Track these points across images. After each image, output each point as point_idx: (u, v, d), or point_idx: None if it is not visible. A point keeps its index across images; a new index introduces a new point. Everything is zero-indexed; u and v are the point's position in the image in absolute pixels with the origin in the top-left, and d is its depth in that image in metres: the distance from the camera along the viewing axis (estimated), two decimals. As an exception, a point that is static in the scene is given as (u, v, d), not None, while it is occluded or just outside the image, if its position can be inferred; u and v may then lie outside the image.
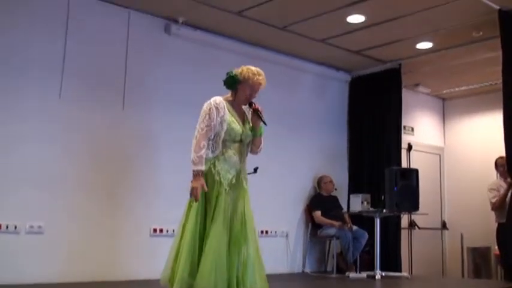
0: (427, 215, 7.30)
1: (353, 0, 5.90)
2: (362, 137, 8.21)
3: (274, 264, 6.81)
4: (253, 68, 3.96)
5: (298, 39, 7.01)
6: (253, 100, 3.99)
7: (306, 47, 7.36)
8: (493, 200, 6.67)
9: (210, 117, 3.78)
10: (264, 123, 3.97)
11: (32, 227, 5.31)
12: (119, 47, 6.10)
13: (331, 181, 7.63)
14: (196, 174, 3.69)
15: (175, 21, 6.45)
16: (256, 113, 3.95)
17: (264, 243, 6.64)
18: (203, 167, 3.70)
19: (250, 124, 4.00)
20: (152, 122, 6.24)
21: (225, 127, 3.80)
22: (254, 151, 4.11)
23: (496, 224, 6.72)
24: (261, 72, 3.98)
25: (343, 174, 8.18)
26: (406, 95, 8.59)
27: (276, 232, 7.20)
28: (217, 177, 3.74)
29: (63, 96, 5.62)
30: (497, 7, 6.01)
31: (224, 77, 4.00)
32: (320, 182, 7.66)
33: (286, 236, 7.32)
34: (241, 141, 3.90)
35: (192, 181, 3.70)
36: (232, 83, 3.95)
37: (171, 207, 6.12)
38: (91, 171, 5.74)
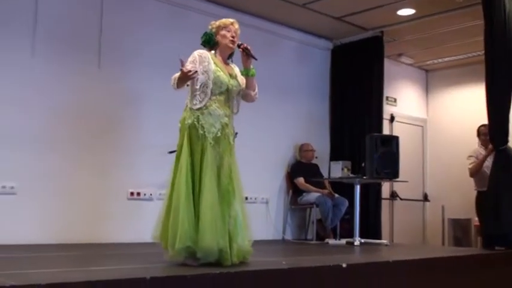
0: (407, 182, 7.25)
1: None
2: (344, 105, 8.15)
3: (254, 231, 6.70)
4: None
5: (278, 3, 6.91)
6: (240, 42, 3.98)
7: (286, 12, 7.25)
8: (470, 166, 6.64)
9: (191, 63, 3.78)
10: (254, 58, 3.94)
11: (4, 187, 5.23)
12: (93, 5, 5.96)
13: (311, 149, 7.59)
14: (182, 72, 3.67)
15: (152, -19, 6.34)
16: (245, 51, 3.93)
17: (244, 210, 6.69)
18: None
19: (238, 77, 3.98)
20: (129, 82, 6.12)
21: (211, 76, 3.77)
22: (250, 97, 4.08)
23: (476, 192, 6.70)
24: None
25: (325, 142, 8.13)
26: (389, 66, 8.56)
27: (255, 198, 7.15)
28: (201, 131, 3.72)
29: (36, 54, 5.50)
30: (478, -28, 5.94)
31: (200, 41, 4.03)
32: (300, 149, 7.62)
33: (267, 202, 7.27)
34: (228, 90, 3.86)
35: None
36: (210, 38, 3.97)
37: (148, 170, 6.11)
38: (66, 132, 5.64)
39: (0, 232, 5.04)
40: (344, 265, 3.98)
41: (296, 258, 5.18)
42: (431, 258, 5.04)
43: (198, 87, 3.78)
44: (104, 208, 5.77)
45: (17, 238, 5.07)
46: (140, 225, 5.91)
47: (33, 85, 5.45)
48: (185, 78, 3.67)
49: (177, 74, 3.70)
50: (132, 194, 6.03)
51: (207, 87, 3.76)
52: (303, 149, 7.60)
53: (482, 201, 6.54)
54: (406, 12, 7.18)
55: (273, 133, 7.41)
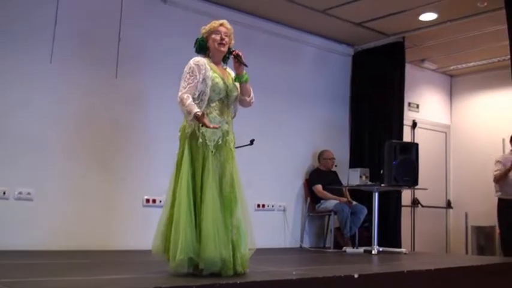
0: (426, 190, 7.15)
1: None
2: (364, 112, 8.06)
3: (271, 239, 6.77)
4: None
5: (299, 9, 6.85)
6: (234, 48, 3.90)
7: (307, 18, 7.20)
8: (496, 173, 6.53)
9: (191, 75, 3.69)
10: (245, 65, 3.83)
11: (20, 193, 5.29)
12: (112, 14, 5.99)
13: (331, 157, 7.51)
14: (199, 117, 3.51)
15: (172, -10, 6.35)
16: (237, 57, 3.83)
17: (261, 217, 6.68)
18: (199, 110, 3.56)
19: (234, 80, 3.90)
20: (146, 91, 6.14)
21: (209, 83, 3.70)
22: (246, 102, 3.96)
23: (496, 199, 6.59)
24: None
25: (344, 149, 8.05)
26: (412, 71, 8.47)
27: (273, 206, 7.12)
28: (201, 140, 3.63)
29: (54, 61, 5.55)
30: (500, -24, 5.84)
31: None
32: (320, 157, 7.54)
33: (284, 210, 7.22)
34: (227, 96, 3.80)
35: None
36: (202, 44, 3.90)
37: (164, 177, 6.06)
38: (83, 139, 5.69)
39: (17, 237, 5.10)
40: (356, 275, 3.89)
41: (310, 267, 5.11)
42: (448, 268, 4.91)
43: (196, 96, 3.69)
44: (119, 215, 5.79)
45: (33, 244, 5.11)
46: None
47: (50, 93, 5.52)
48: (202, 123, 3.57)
49: (193, 108, 3.54)
50: (147, 200, 6.05)
51: (205, 95, 3.68)
52: (322, 156, 7.53)
53: (503, 209, 6.45)
54: (428, 17, 7.07)
55: (291, 140, 7.36)
